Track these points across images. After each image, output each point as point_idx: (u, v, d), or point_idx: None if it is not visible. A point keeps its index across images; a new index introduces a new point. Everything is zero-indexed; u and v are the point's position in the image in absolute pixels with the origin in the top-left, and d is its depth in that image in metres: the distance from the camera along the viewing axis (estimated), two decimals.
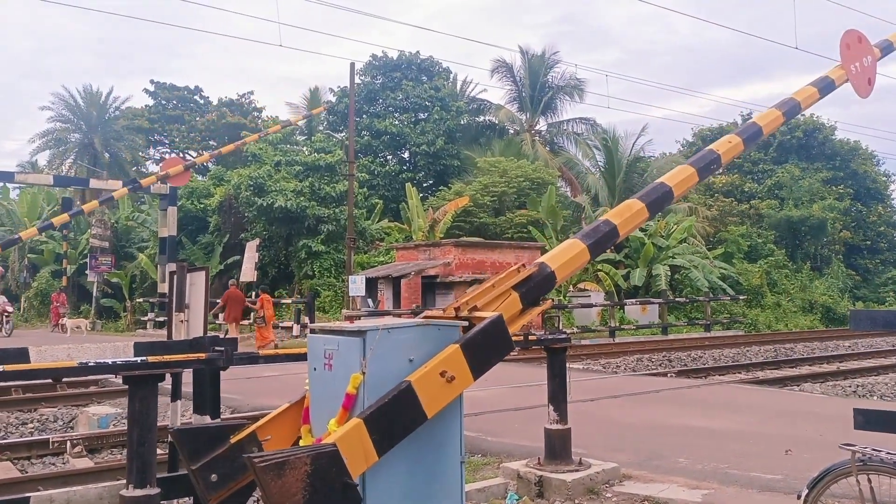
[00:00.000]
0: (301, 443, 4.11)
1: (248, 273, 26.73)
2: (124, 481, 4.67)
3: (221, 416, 6.16)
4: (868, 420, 3.92)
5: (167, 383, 5.42)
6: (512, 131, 46.91)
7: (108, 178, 36.25)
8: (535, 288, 4.52)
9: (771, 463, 7.00)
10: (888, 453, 3.58)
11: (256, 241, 29.05)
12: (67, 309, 32.53)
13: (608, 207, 31.95)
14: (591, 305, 27.65)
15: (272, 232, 32.48)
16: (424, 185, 43.84)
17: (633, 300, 29.39)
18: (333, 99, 46.32)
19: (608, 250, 31.86)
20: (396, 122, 42.85)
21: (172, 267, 6.52)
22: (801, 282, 39.64)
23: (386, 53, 45.34)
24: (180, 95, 53.09)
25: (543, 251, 22.99)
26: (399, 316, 22.51)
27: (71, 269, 36.77)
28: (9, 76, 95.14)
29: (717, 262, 35.52)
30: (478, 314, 4.12)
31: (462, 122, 45.69)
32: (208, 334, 5.67)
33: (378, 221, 36.66)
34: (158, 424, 4.87)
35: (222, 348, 5.18)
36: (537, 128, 47.66)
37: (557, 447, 6.44)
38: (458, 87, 48.36)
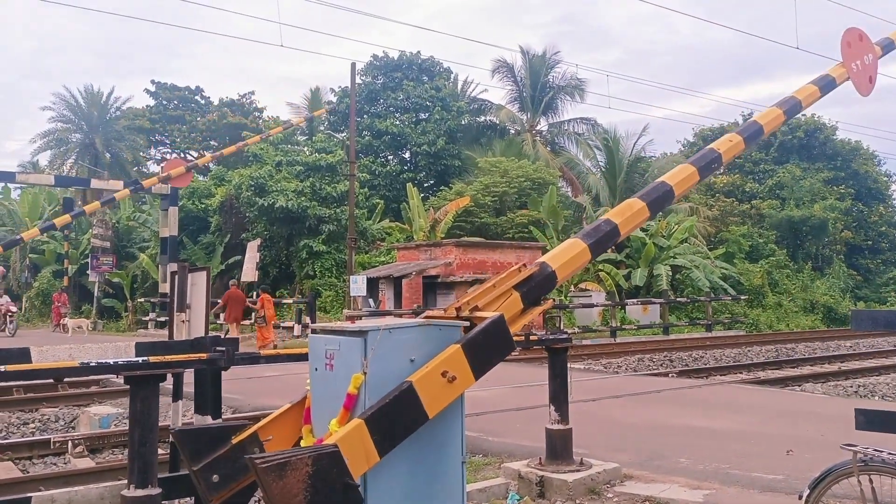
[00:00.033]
0: (302, 443, 4.11)
1: (249, 273, 26.74)
2: (126, 481, 4.67)
3: (223, 417, 6.16)
4: (869, 420, 3.92)
5: (168, 383, 5.42)
6: (513, 131, 46.90)
7: (110, 179, 36.30)
8: (536, 287, 4.51)
9: (772, 463, 7.00)
10: (889, 454, 3.58)
11: (257, 241, 29.05)
12: (69, 309, 32.57)
13: (609, 207, 31.93)
14: (592, 305, 27.65)
15: (273, 232, 32.50)
16: (425, 185, 43.86)
17: (635, 300, 29.39)
18: (334, 99, 46.34)
19: (609, 250, 31.84)
20: (397, 123, 42.86)
21: (174, 267, 6.53)
22: (802, 282, 39.63)
23: (387, 53, 45.40)
24: (181, 96, 53.14)
25: (544, 251, 22.99)
26: (400, 316, 22.51)
27: (72, 269, 36.80)
28: (9, 76, 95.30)
29: (718, 262, 35.51)
30: (479, 314, 4.12)
31: (463, 123, 45.70)
32: (209, 334, 5.68)
33: (379, 221, 36.68)
34: (160, 424, 4.88)
35: (223, 348, 5.18)
36: (538, 128, 47.67)
37: (559, 447, 6.44)
38: (459, 87, 48.38)
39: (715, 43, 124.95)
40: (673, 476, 6.61)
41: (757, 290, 35.60)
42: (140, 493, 4.44)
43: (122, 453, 8.55)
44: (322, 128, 44.73)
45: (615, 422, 9.48)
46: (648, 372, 16.51)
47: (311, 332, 4.28)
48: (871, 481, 3.65)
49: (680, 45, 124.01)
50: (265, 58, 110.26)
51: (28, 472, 7.89)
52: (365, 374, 3.57)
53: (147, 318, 31.61)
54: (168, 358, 4.93)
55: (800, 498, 3.85)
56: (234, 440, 4.18)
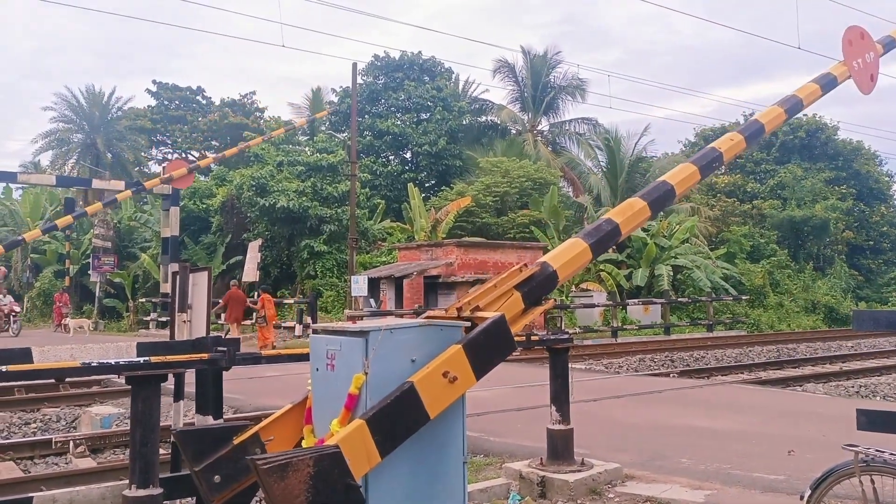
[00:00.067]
0: (304, 443, 4.11)
1: (250, 273, 26.76)
2: (127, 481, 4.67)
3: (224, 417, 6.16)
4: (871, 421, 3.91)
5: (170, 384, 5.43)
6: (514, 131, 46.89)
7: (111, 179, 36.36)
8: (537, 287, 4.51)
9: (774, 463, 7.00)
10: (891, 454, 3.57)
11: (259, 242, 29.07)
12: (70, 309, 32.59)
13: (610, 207, 31.89)
14: (593, 305, 27.64)
15: (274, 232, 32.51)
16: (426, 185, 43.86)
17: (636, 300, 29.37)
18: (335, 99, 46.34)
19: (610, 250, 31.84)
20: (398, 123, 42.86)
21: (175, 267, 6.54)
22: (803, 282, 39.60)
23: (388, 54, 45.40)
24: (182, 96, 53.17)
25: (545, 251, 22.99)
26: (401, 316, 22.52)
27: (74, 270, 36.82)
28: (9, 76, 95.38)
29: (719, 262, 35.50)
30: (480, 314, 4.12)
31: (464, 123, 45.69)
32: (211, 335, 5.68)
33: (380, 221, 36.68)
34: (161, 424, 4.88)
35: (225, 349, 5.19)
36: (539, 128, 47.66)
37: (560, 447, 6.44)
38: (461, 87, 48.38)
39: (716, 43, 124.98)
40: (674, 476, 6.61)
41: (758, 290, 35.58)
42: (141, 493, 4.45)
43: (124, 453, 8.55)
44: (323, 128, 44.75)
45: (616, 422, 9.48)
46: (650, 372, 16.50)
47: (313, 333, 4.28)
48: (872, 482, 3.64)
49: (681, 45, 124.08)
50: (265, 58, 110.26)
51: (30, 472, 7.89)
52: (366, 374, 3.57)
53: (148, 319, 31.64)
54: (169, 358, 4.94)
55: (801, 498, 3.84)
56: (236, 441, 4.18)
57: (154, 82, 53.02)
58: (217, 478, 4.07)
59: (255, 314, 21.54)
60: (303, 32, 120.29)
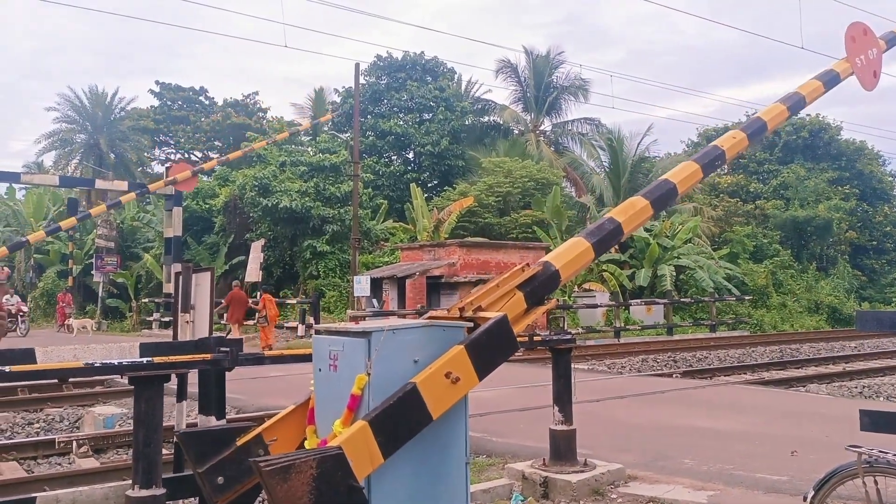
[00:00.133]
0: (306, 443, 4.11)
1: (253, 273, 26.76)
2: (130, 481, 4.68)
3: (227, 417, 6.16)
4: (874, 421, 3.90)
5: (173, 384, 5.43)
6: (517, 131, 46.88)
7: (114, 179, 36.42)
8: (539, 287, 4.50)
9: (777, 464, 6.98)
10: (894, 455, 3.57)
11: (261, 242, 29.09)
12: (73, 309, 32.63)
13: (613, 207, 31.94)
14: (595, 306, 27.62)
15: (277, 232, 32.53)
16: (429, 185, 43.87)
17: (639, 300, 29.35)
18: (338, 99, 46.40)
19: (613, 250, 31.86)
20: (401, 123, 42.87)
21: (178, 267, 6.55)
22: (806, 282, 39.55)
23: (390, 54, 45.43)
24: (185, 96, 53.22)
25: (548, 251, 22.97)
26: (404, 316, 22.52)
27: (77, 270, 36.87)
28: (9, 76, 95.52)
29: (722, 262, 35.46)
30: (482, 314, 4.11)
31: (467, 123, 45.69)
32: (213, 335, 5.69)
33: (383, 222, 36.69)
34: (164, 425, 4.89)
35: (228, 349, 5.19)
36: (542, 128, 47.64)
37: (562, 448, 6.43)
38: (463, 87, 48.38)
39: (718, 43, 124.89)
40: (677, 477, 6.60)
41: (761, 290, 35.53)
42: (144, 493, 4.46)
43: (127, 453, 8.55)
44: (326, 128, 44.78)
45: (619, 422, 9.47)
46: (652, 372, 16.49)
47: (315, 333, 4.28)
48: (875, 483, 3.63)
49: (683, 45, 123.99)
50: (265, 58, 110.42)
51: (33, 472, 7.90)
52: (369, 374, 3.57)
53: (151, 319, 31.67)
54: (172, 358, 4.95)
55: (804, 499, 3.83)
56: (239, 442, 4.18)
57: (157, 83, 53.12)
58: (220, 479, 4.08)
59: (256, 314, 21.55)
60: (304, 32, 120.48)
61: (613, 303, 27.98)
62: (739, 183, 48.13)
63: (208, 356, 5.14)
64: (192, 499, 5.18)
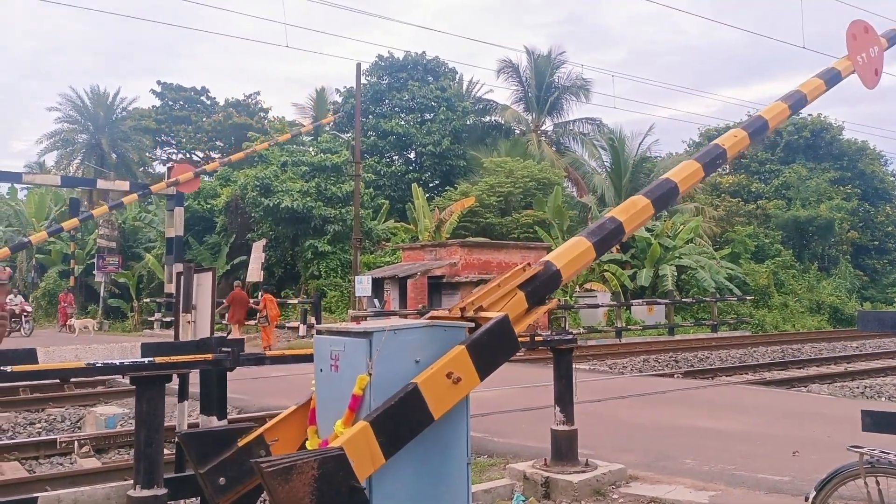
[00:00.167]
0: (307, 444, 4.11)
1: (254, 273, 26.79)
2: (132, 481, 4.68)
3: (228, 417, 6.17)
4: (876, 422, 3.90)
5: (174, 384, 5.43)
6: (518, 131, 46.88)
7: (116, 179, 36.44)
8: (540, 287, 4.50)
9: (778, 464, 6.98)
10: None
11: (263, 242, 29.12)
12: (75, 309, 32.65)
13: (614, 207, 31.89)
14: (597, 306, 27.61)
15: (278, 232, 32.55)
16: (430, 185, 43.88)
17: (640, 300, 29.33)
18: (339, 99, 46.42)
19: (614, 250, 31.85)
20: (402, 123, 42.88)
21: (179, 267, 6.55)
22: (808, 282, 39.52)
23: (392, 54, 45.43)
24: (187, 96, 53.27)
25: (549, 252, 22.98)
26: (405, 316, 22.52)
27: (78, 270, 36.90)
28: (9, 76, 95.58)
29: (723, 262, 35.44)
30: (483, 314, 4.11)
31: (468, 123, 45.70)
32: (215, 335, 5.69)
33: (384, 222, 36.70)
34: (166, 425, 4.89)
35: (229, 349, 5.20)
36: (543, 128, 47.63)
37: (564, 448, 6.43)
38: (464, 87, 48.39)
39: (720, 43, 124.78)
40: (679, 477, 6.59)
41: (763, 290, 35.50)
42: (146, 493, 4.46)
43: (128, 453, 8.56)
44: (327, 128, 44.81)
45: (620, 422, 9.47)
46: (654, 372, 16.48)
47: (317, 333, 4.28)
48: (877, 483, 3.63)
49: (685, 45, 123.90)
50: (266, 58, 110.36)
51: (34, 472, 7.91)
52: (370, 375, 3.57)
53: (153, 319, 31.69)
54: (174, 359, 4.95)
55: (806, 500, 3.83)
56: (241, 443, 4.18)
57: (158, 83, 53.20)
58: (222, 480, 4.08)
59: (257, 314, 21.57)
60: (305, 32, 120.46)
61: (615, 303, 27.97)
62: (741, 183, 48.09)
63: (210, 356, 5.15)
64: (194, 499, 5.19)
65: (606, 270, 31.81)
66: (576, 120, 47.92)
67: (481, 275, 25.69)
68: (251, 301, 21.57)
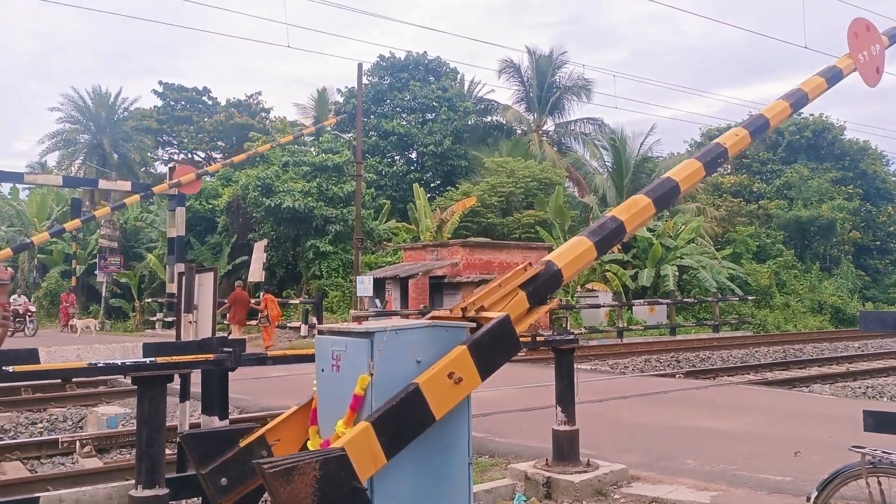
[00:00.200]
0: (309, 444, 4.11)
1: (256, 273, 26.82)
2: (133, 481, 4.69)
3: (230, 417, 6.17)
4: (878, 422, 3.89)
5: (176, 384, 5.44)
6: (519, 131, 46.90)
7: (117, 179, 36.46)
8: (542, 286, 4.49)
9: (780, 464, 6.97)
10: None
11: (264, 242, 29.14)
12: (77, 309, 32.70)
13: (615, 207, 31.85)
14: (598, 306, 27.60)
15: (280, 232, 32.56)
16: (432, 185, 43.90)
17: (642, 301, 29.32)
18: (341, 99, 46.44)
19: (616, 250, 31.84)
20: (404, 123, 42.89)
21: (181, 267, 6.55)
22: (810, 282, 39.49)
23: (393, 54, 45.45)
24: (189, 96, 53.32)
25: (551, 252, 22.96)
26: (407, 317, 22.53)
27: (80, 270, 36.95)
28: (10, 77, 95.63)
29: (725, 262, 35.41)
30: (485, 314, 4.11)
31: (469, 123, 45.71)
32: (216, 335, 5.69)
33: (386, 222, 36.71)
34: (167, 425, 4.89)
35: (231, 349, 5.20)
36: (545, 128, 47.64)
37: (565, 448, 6.42)
38: (466, 87, 48.41)
39: (721, 42, 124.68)
40: (680, 477, 6.59)
41: (764, 290, 35.48)
42: (148, 493, 4.46)
43: (130, 453, 8.57)
44: (329, 128, 44.85)
45: (622, 423, 9.46)
46: (655, 373, 16.48)
47: (318, 333, 4.28)
48: (879, 483, 3.63)
49: (686, 45, 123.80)
50: (266, 58, 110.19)
51: (36, 472, 7.91)
52: (371, 375, 3.57)
53: (154, 319, 31.72)
54: (175, 359, 4.95)
55: (808, 500, 3.83)
56: (242, 443, 4.18)
57: (160, 83, 53.27)
58: (224, 480, 4.08)
59: (259, 314, 21.58)
60: (306, 32, 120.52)
61: (616, 303, 27.96)
62: (743, 183, 48.06)
63: (211, 356, 5.15)
64: (196, 499, 5.19)
65: (608, 270, 31.80)
66: (577, 120, 47.96)
67: (483, 275, 25.69)
68: (252, 301, 21.59)
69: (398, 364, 3.64)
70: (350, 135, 42.25)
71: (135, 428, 4.88)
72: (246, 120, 50.55)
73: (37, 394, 12.66)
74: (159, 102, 52.81)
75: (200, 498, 4.96)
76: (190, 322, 6.07)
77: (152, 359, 4.79)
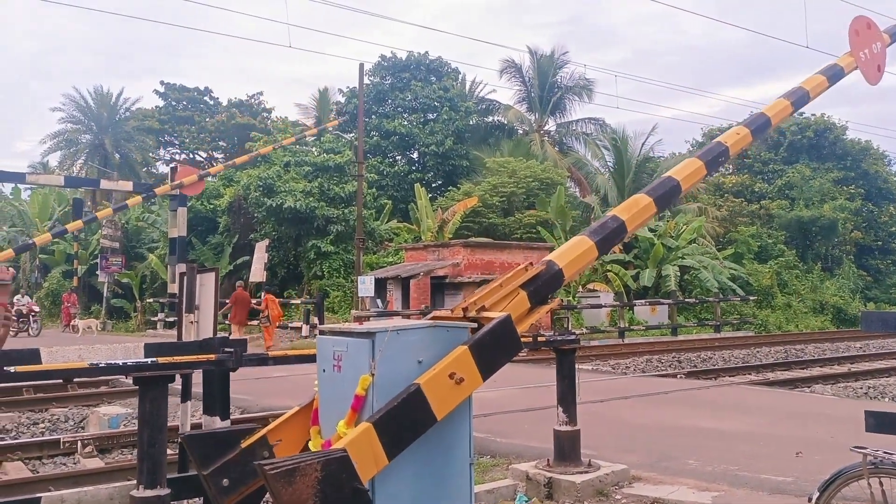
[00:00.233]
0: (310, 444, 4.11)
1: (257, 273, 26.83)
2: (135, 482, 4.69)
3: (231, 417, 6.17)
4: (879, 422, 3.89)
5: (178, 384, 5.44)
6: (521, 131, 46.89)
7: (119, 179, 36.48)
8: (543, 286, 4.49)
9: (781, 465, 6.97)
10: None
11: (266, 242, 29.14)
12: (78, 309, 32.71)
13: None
14: (600, 306, 27.59)
15: (281, 232, 32.57)
16: (433, 185, 43.89)
17: (643, 301, 29.31)
18: (342, 99, 46.45)
19: (617, 250, 31.83)
20: (405, 123, 42.89)
21: (182, 268, 6.55)
22: (811, 282, 39.46)
23: (395, 54, 45.45)
24: (190, 96, 53.35)
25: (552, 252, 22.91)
26: (408, 317, 22.53)
27: (82, 270, 36.97)
28: (11, 77, 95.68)
29: (726, 262, 35.39)
30: (486, 314, 4.11)
31: (471, 123, 45.71)
32: (218, 335, 5.69)
33: (387, 222, 36.71)
34: (169, 425, 4.89)
35: (232, 349, 5.20)
36: (546, 128, 47.63)
37: (567, 448, 6.42)
38: (467, 87, 48.40)
39: (722, 42, 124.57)
40: (681, 477, 6.59)
41: (766, 290, 35.45)
42: (149, 493, 4.46)
43: (132, 453, 8.57)
44: (330, 129, 44.86)
45: (623, 423, 9.46)
46: (657, 373, 16.47)
47: (319, 334, 4.28)
48: (881, 484, 3.63)
49: (687, 45, 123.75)
50: (269, 58, 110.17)
51: (38, 472, 7.92)
52: (372, 375, 3.57)
53: (156, 319, 31.73)
54: (177, 359, 4.95)
55: (809, 500, 3.83)
56: (244, 444, 4.18)
57: (162, 83, 53.32)
58: (225, 481, 4.08)
59: (259, 315, 21.59)
60: (307, 33, 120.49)
61: (618, 303, 27.95)
62: (744, 183, 48.03)
63: (213, 357, 5.14)
64: (197, 499, 5.19)
65: (609, 271, 31.79)
66: (579, 120, 47.95)
67: (484, 275, 25.69)
68: (253, 301, 21.60)
69: (399, 364, 3.64)
70: (351, 135, 42.23)
71: (136, 428, 4.89)
72: (247, 120, 50.56)
73: (38, 394, 12.67)
74: (161, 102, 52.86)
75: (202, 498, 4.96)
76: (191, 322, 6.06)
77: (154, 359, 4.79)
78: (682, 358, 19.69)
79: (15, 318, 28.18)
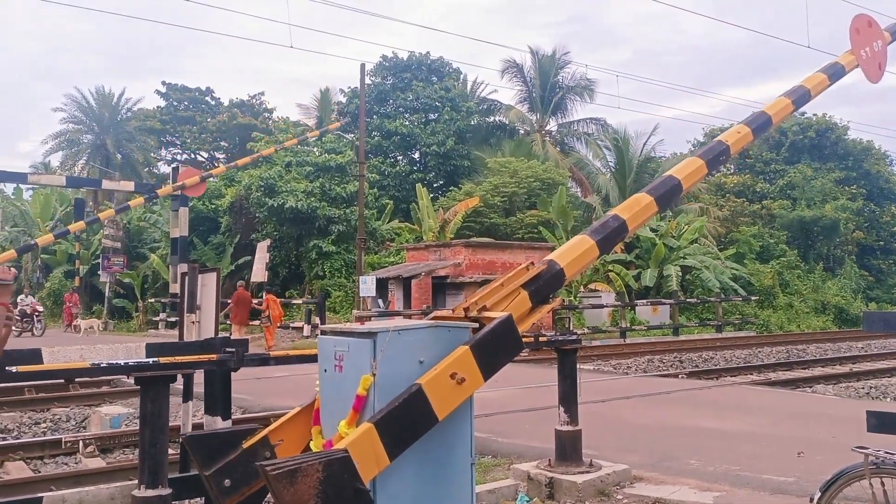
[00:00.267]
0: (311, 444, 4.11)
1: (259, 273, 26.83)
2: (136, 481, 4.69)
3: (232, 417, 6.18)
4: (881, 422, 3.89)
5: (179, 384, 5.44)
6: (522, 132, 46.87)
7: (120, 179, 36.50)
8: (544, 286, 4.48)
9: (783, 465, 6.96)
10: None
11: (267, 242, 29.13)
12: (80, 309, 32.75)
13: None
14: (601, 306, 27.58)
15: (283, 232, 32.58)
16: (435, 185, 43.88)
17: (644, 301, 29.30)
18: (344, 100, 46.43)
19: (618, 250, 31.80)
20: (407, 123, 42.89)
21: (184, 268, 6.55)
22: (813, 282, 39.42)
23: (396, 54, 45.44)
24: (192, 97, 53.35)
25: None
26: (409, 317, 22.53)
27: (83, 270, 37.00)
28: (12, 77, 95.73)
29: (728, 262, 35.37)
30: (487, 314, 4.11)
31: (472, 123, 45.69)
32: (219, 335, 5.70)
33: (388, 222, 36.70)
34: (170, 425, 4.89)
35: (233, 349, 5.20)
36: (548, 128, 47.62)
37: (568, 448, 6.42)
38: (469, 87, 48.38)
39: (724, 42, 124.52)
40: (683, 478, 6.59)
41: (768, 290, 35.42)
42: (150, 493, 4.46)
43: (133, 453, 8.58)
44: (332, 130, 44.84)
45: (625, 423, 9.46)
46: (658, 373, 16.46)
47: (321, 334, 4.28)
48: (882, 484, 3.62)
49: (688, 45, 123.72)
50: (270, 58, 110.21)
51: (39, 472, 7.93)
52: (374, 375, 3.57)
53: (157, 319, 31.77)
54: (178, 359, 4.95)
55: (811, 500, 3.82)
56: (245, 444, 4.18)
57: (163, 83, 53.29)
58: (227, 482, 4.08)
59: (260, 315, 21.59)
60: (309, 33, 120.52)
61: (619, 303, 27.95)
62: (746, 183, 47.99)
63: (214, 357, 5.15)
64: (198, 499, 5.19)
65: (611, 271, 31.78)
66: (580, 120, 47.94)
67: (485, 275, 25.68)
68: (254, 302, 21.60)
69: (401, 364, 3.64)
70: (353, 135, 42.22)
71: (138, 428, 4.89)
72: (249, 120, 50.56)
73: (40, 394, 12.69)
74: (162, 103, 52.86)
75: (203, 498, 4.96)
76: (193, 322, 6.07)
77: (155, 359, 4.79)
78: (683, 358, 19.68)
79: (18, 318, 28.20)
